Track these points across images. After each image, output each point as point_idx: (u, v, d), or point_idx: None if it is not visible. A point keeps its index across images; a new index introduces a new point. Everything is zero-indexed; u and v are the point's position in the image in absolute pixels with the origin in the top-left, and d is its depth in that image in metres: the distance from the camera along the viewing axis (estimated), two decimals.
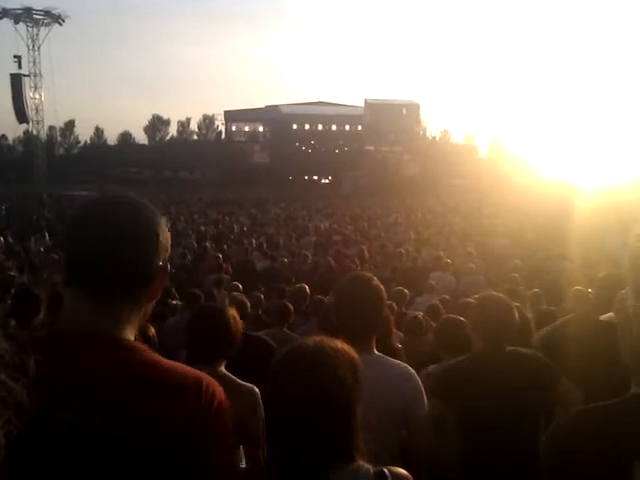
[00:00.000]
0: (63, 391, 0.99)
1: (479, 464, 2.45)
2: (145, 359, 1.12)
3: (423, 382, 3.12)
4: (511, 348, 2.65)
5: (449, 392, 2.58)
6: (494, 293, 2.97)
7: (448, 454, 2.42)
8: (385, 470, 1.34)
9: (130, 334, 1.17)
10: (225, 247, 13.00)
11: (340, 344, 1.40)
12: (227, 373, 2.63)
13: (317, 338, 1.41)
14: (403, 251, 11.36)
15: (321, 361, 1.33)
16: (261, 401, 2.51)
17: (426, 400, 2.30)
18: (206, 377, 1.15)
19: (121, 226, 1.13)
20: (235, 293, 6.00)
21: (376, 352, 2.32)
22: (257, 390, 2.57)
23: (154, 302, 1.24)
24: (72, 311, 1.15)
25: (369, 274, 2.46)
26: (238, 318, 2.72)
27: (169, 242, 1.22)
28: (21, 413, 0.80)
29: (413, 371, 2.35)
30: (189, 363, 2.72)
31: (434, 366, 3.38)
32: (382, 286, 2.36)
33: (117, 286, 1.12)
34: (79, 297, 1.13)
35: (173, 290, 7.14)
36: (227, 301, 4.75)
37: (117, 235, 1.12)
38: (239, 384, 2.58)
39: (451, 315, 4.01)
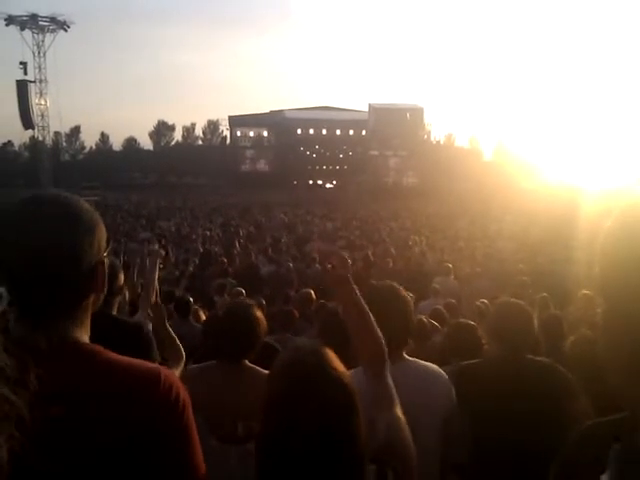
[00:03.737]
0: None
1: (489, 467, 2.42)
2: (102, 360, 1.11)
3: None
4: (530, 356, 2.64)
5: (463, 394, 2.55)
6: (514, 300, 2.94)
7: (455, 456, 2.40)
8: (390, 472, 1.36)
9: (85, 333, 1.16)
10: (235, 251, 13.00)
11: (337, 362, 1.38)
12: (253, 365, 2.69)
13: (311, 345, 1.40)
14: (409, 255, 11.34)
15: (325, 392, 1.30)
16: None
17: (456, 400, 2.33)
18: (164, 370, 1.16)
19: (50, 225, 1.10)
20: (243, 297, 6.00)
21: (407, 357, 2.34)
22: None
23: (101, 295, 1.21)
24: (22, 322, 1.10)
25: (395, 284, 2.46)
26: (263, 319, 2.76)
27: (105, 235, 1.19)
28: (23, 428, 0.80)
29: (445, 374, 2.39)
30: (217, 359, 2.77)
31: (444, 367, 3.37)
32: (407, 296, 2.38)
33: (59, 290, 1.10)
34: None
35: (176, 295, 7.14)
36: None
37: (46, 233, 1.08)
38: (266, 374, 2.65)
39: (462, 320, 3.99)
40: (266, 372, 2.62)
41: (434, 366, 2.42)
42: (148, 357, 3.08)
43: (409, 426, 1.41)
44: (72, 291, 1.12)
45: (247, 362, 2.69)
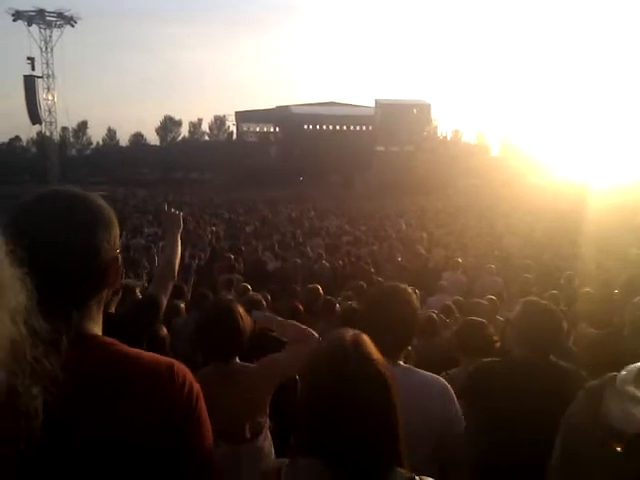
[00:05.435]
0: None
1: (501, 468, 2.38)
2: (117, 353, 1.13)
3: None
4: (554, 359, 2.58)
5: (478, 392, 2.50)
6: (544, 301, 2.89)
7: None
8: (416, 477, 1.34)
9: (98, 327, 1.18)
10: (242, 247, 13.03)
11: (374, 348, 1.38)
12: (243, 363, 2.73)
13: (352, 337, 1.38)
14: (415, 251, 11.35)
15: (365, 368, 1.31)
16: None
17: (460, 416, 2.20)
18: (176, 362, 1.18)
19: (71, 219, 1.12)
20: (251, 293, 6.04)
21: (402, 363, 2.25)
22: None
23: (112, 291, 1.24)
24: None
25: (402, 285, 2.36)
26: (246, 314, 2.77)
27: (118, 232, 1.21)
28: (54, 384, 0.83)
29: (447, 385, 2.24)
30: (205, 362, 2.80)
31: (454, 370, 3.30)
32: (415, 298, 2.30)
33: (76, 283, 1.12)
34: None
35: (185, 290, 7.17)
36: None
37: (66, 228, 1.11)
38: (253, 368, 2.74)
39: (472, 317, 3.97)
40: (251, 367, 2.68)
41: (435, 376, 2.29)
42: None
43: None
44: (89, 285, 1.15)
45: (237, 360, 2.72)
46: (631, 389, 0.79)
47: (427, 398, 2.12)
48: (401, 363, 2.23)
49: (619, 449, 0.80)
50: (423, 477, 1.36)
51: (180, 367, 1.17)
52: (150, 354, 1.19)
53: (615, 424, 0.80)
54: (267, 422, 2.77)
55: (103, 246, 1.15)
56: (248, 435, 2.64)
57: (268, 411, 2.77)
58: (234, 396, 2.58)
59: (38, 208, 1.14)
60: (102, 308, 1.21)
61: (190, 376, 1.18)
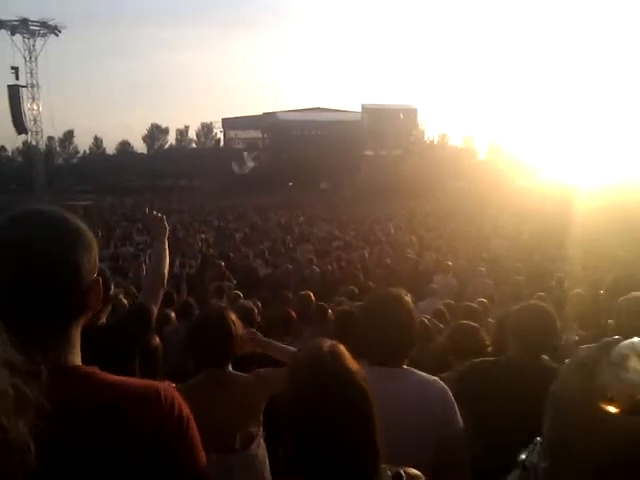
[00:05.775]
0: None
1: (497, 471, 2.39)
2: (100, 382, 1.10)
3: None
4: (546, 360, 2.59)
5: (472, 395, 2.50)
6: (540, 303, 2.90)
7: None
8: (401, 471, 1.39)
9: (77, 356, 1.14)
10: (230, 254, 13.02)
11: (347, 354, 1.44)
12: (235, 372, 2.73)
13: (329, 347, 1.43)
14: (401, 256, 11.40)
15: (343, 376, 1.36)
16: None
17: (460, 418, 2.20)
18: (162, 385, 1.16)
19: (42, 246, 1.07)
20: (242, 300, 6.02)
21: (405, 367, 2.26)
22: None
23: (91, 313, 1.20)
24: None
25: (400, 291, 2.35)
26: (238, 321, 2.77)
27: (96, 253, 1.17)
28: (43, 415, 0.81)
29: (446, 387, 2.26)
30: (197, 368, 2.79)
31: (448, 373, 3.34)
32: (412, 304, 2.31)
33: (56, 306, 1.09)
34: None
35: (175, 298, 7.14)
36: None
37: (41, 255, 1.06)
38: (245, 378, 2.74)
39: (464, 321, 3.98)
40: (245, 376, 2.67)
41: (433, 378, 2.31)
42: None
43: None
44: (70, 308, 1.11)
45: (230, 369, 2.71)
46: (628, 356, 0.82)
47: (428, 399, 2.15)
48: (404, 367, 2.25)
49: (612, 410, 0.81)
50: (407, 469, 1.42)
51: (168, 390, 1.14)
52: (135, 380, 1.17)
53: (613, 387, 0.82)
54: (260, 431, 2.76)
55: (84, 266, 1.12)
56: (238, 445, 2.63)
57: (262, 419, 2.76)
58: (227, 405, 2.57)
59: (16, 228, 1.10)
60: (79, 330, 1.16)
61: (179, 398, 1.15)
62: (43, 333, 1.08)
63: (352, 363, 1.40)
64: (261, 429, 2.76)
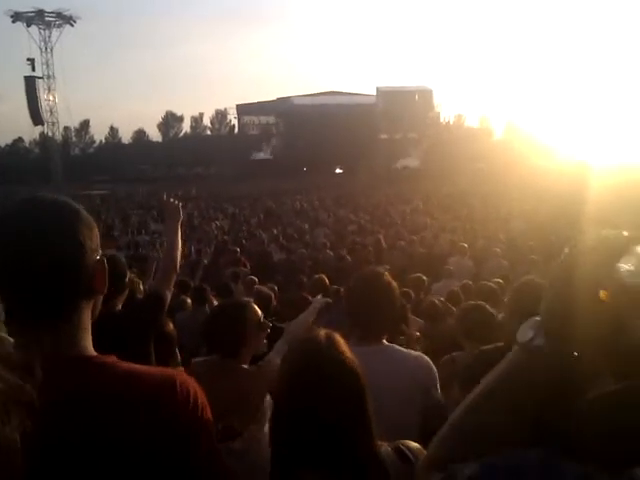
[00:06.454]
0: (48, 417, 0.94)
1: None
2: (116, 371, 1.10)
3: (446, 367, 3.09)
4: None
5: (474, 382, 2.50)
6: (536, 279, 2.84)
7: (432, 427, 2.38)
8: (402, 447, 1.40)
9: (89, 340, 1.14)
10: (243, 241, 13.05)
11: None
12: (241, 365, 2.66)
13: (325, 334, 1.46)
14: (416, 238, 11.35)
15: (337, 360, 1.39)
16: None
17: (439, 389, 2.30)
18: (179, 374, 1.16)
19: (45, 229, 1.08)
20: (259, 286, 6.05)
21: (386, 343, 2.34)
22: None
23: (101, 297, 1.20)
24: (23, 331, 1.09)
25: (381, 270, 2.47)
26: (258, 312, 2.74)
27: (97, 235, 1.17)
28: (33, 413, 0.80)
29: (427, 359, 2.35)
30: (209, 354, 2.78)
31: (458, 352, 3.31)
32: (393, 282, 2.37)
33: (61, 296, 1.09)
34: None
35: (190, 284, 7.17)
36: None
37: (44, 240, 1.07)
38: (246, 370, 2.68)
39: (473, 301, 3.93)
40: (246, 368, 2.64)
41: (415, 352, 2.43)
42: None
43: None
44: (77, 284, 1.11)
45: (239, 360, 2.62)
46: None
47: (409, 367, 2.25)
48: (384, 342, 2.33)
49: (603, 297, 0.84)
50: (406, 442, 1.43)
51: (183, 379, 1.14)
52: (150, 369, 1.17)
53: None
54: (254, 431, 2.66)
55: (87, 243, 1.12)
56: (219, 436, 2.56)
57: (262, 420, 2.69)
58: (231, 391, 2.54)
59: (17, 215, 1.11)
60: (90, 317, 1.16)
61: (195, 387, 1.15)
62: (53, 319, 1.08)
63: (347, 349, 1.43)
64: (257, 428, 2.66)
